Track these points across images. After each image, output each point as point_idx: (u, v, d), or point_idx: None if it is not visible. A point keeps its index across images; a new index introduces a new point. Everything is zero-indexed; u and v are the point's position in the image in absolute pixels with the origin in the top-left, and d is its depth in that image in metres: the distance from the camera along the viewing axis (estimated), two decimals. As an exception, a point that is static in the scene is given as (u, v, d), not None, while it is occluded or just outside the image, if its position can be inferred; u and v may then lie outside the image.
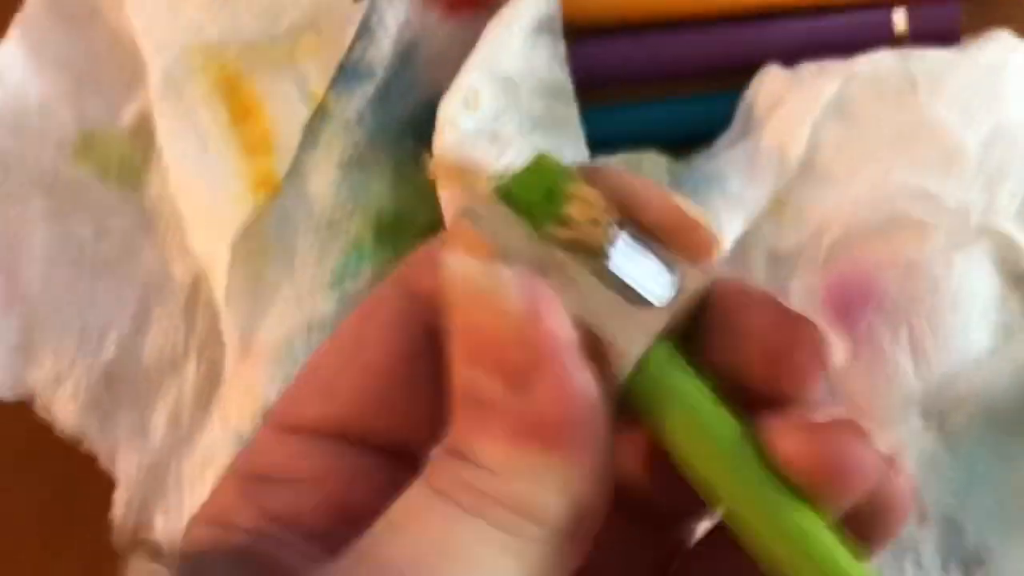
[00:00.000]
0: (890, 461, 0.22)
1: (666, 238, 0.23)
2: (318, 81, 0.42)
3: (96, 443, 0.44)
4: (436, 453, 0.22)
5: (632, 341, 0.22)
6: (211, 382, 0.44)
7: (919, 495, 0.41)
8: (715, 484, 0.22)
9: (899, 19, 0.43)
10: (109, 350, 0.44)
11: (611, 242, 0.22)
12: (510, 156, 0.40)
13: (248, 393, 0.42)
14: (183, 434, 0.44)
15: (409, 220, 0.43)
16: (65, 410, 0.43)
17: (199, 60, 0.42)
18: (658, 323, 0.22)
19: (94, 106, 0.44)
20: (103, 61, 0.44)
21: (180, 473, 0.44)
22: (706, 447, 0.22)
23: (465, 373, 0.22)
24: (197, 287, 0.44)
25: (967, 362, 0.41)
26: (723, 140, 0.43)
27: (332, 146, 0.42)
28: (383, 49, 0.42)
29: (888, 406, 0.41)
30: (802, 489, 0.22)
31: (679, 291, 0.22)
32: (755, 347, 0.23)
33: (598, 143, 0.42)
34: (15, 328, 0.43)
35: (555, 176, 0.23)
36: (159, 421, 0.44)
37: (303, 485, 0.24)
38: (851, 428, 0.22)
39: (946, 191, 0.41)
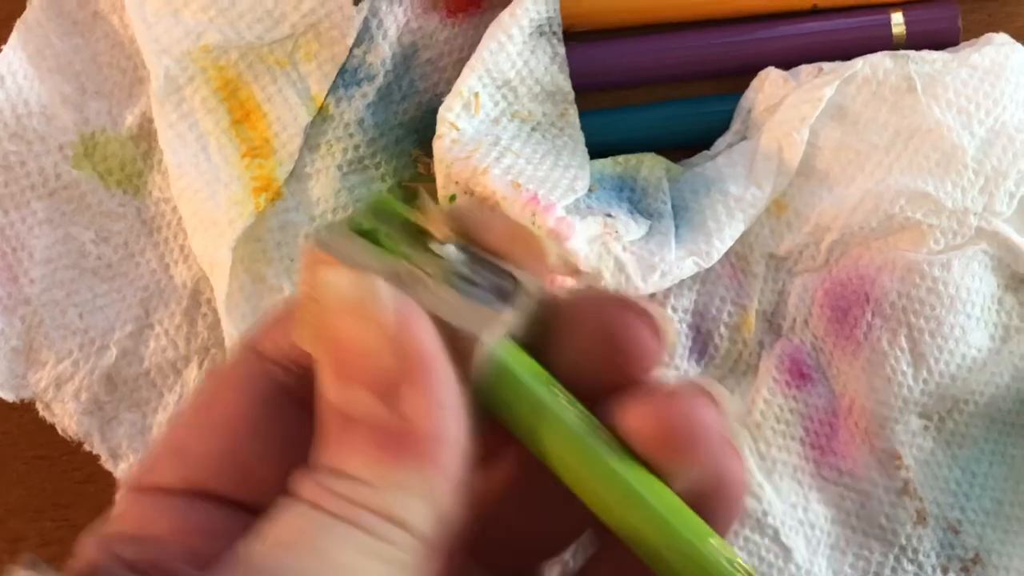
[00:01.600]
0: (729, 442, 0.24)
1: (507, 255, 0.24)
2: (318, 85, 0.42)
3: (98, 445, 0.44)
4: (301, 472, 0.22)
5: (486, 334, 0.23)
6: (212, 384, 0.44)
7: (918, 494, 0.41)
8: (569, 467, 0.23)
9: (897, 21, 0.43)
10: (111, 353, 0.44)
11: (455, 257, 0.24)
12: (509, 160, 0.40)
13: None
14: (184, 436, 0.44)
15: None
16: (66, 412, 0.43)
17: (200, 64, 0.42)
18: (507, 320, 0.24)
19: (95, 110, 0.44)
20: (104, 65, 0.44)
21: (181, 475, 0.44)
22: (559, 432, 0.23)
23: (334, 390, 0.22)
24: (198, 290, 0.44)
25: (966, 363, 0.41)
26: (722, 142, 0.43)
27: (333, 149, 0.42)
28: (383, 52, 0.43)
29: (887, 407, 0.41)
30: (651, 460, 0.23)
31: (521, 295, 0.24)
32: (597, 335, 0.24)
33: (597, 146, 0.42)
34: (17, 331, 0.43)
35: (397, 207, 0.25)
36: (161, 424, 0.44)
37: (164, 541, 0.24)
38: (696, 393, 0.23)
39: (944, 193, 0.41)
